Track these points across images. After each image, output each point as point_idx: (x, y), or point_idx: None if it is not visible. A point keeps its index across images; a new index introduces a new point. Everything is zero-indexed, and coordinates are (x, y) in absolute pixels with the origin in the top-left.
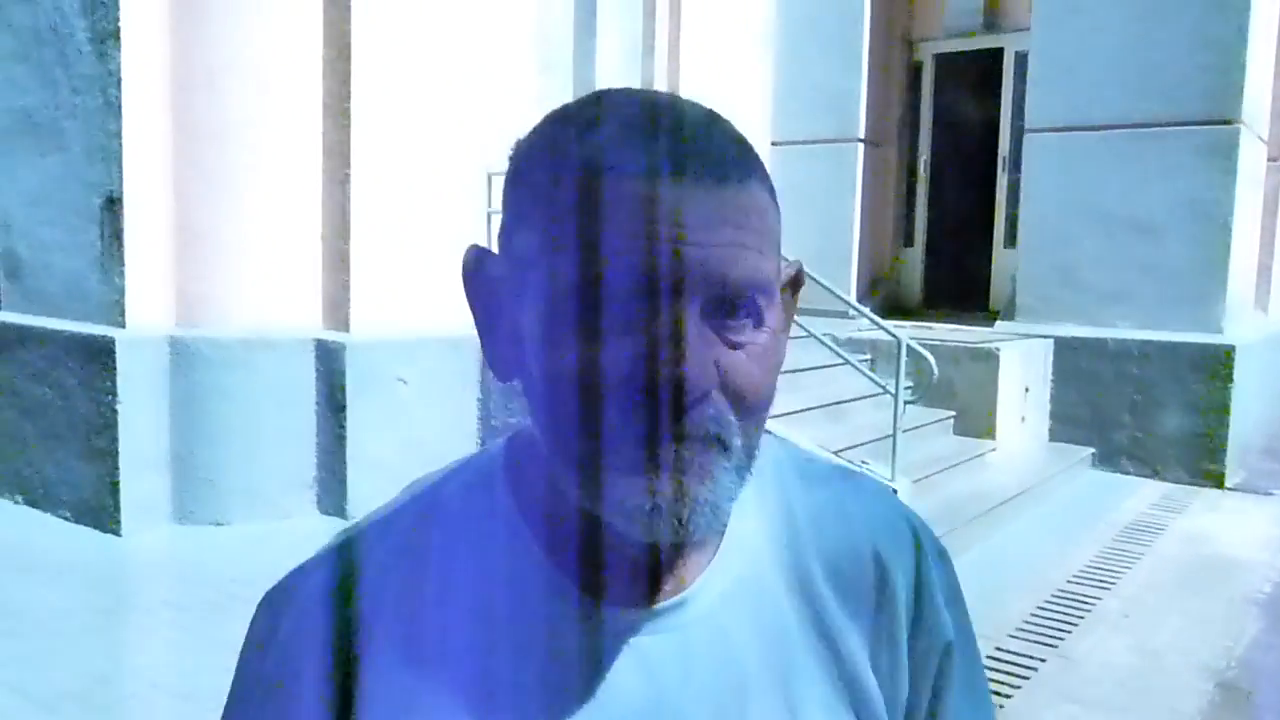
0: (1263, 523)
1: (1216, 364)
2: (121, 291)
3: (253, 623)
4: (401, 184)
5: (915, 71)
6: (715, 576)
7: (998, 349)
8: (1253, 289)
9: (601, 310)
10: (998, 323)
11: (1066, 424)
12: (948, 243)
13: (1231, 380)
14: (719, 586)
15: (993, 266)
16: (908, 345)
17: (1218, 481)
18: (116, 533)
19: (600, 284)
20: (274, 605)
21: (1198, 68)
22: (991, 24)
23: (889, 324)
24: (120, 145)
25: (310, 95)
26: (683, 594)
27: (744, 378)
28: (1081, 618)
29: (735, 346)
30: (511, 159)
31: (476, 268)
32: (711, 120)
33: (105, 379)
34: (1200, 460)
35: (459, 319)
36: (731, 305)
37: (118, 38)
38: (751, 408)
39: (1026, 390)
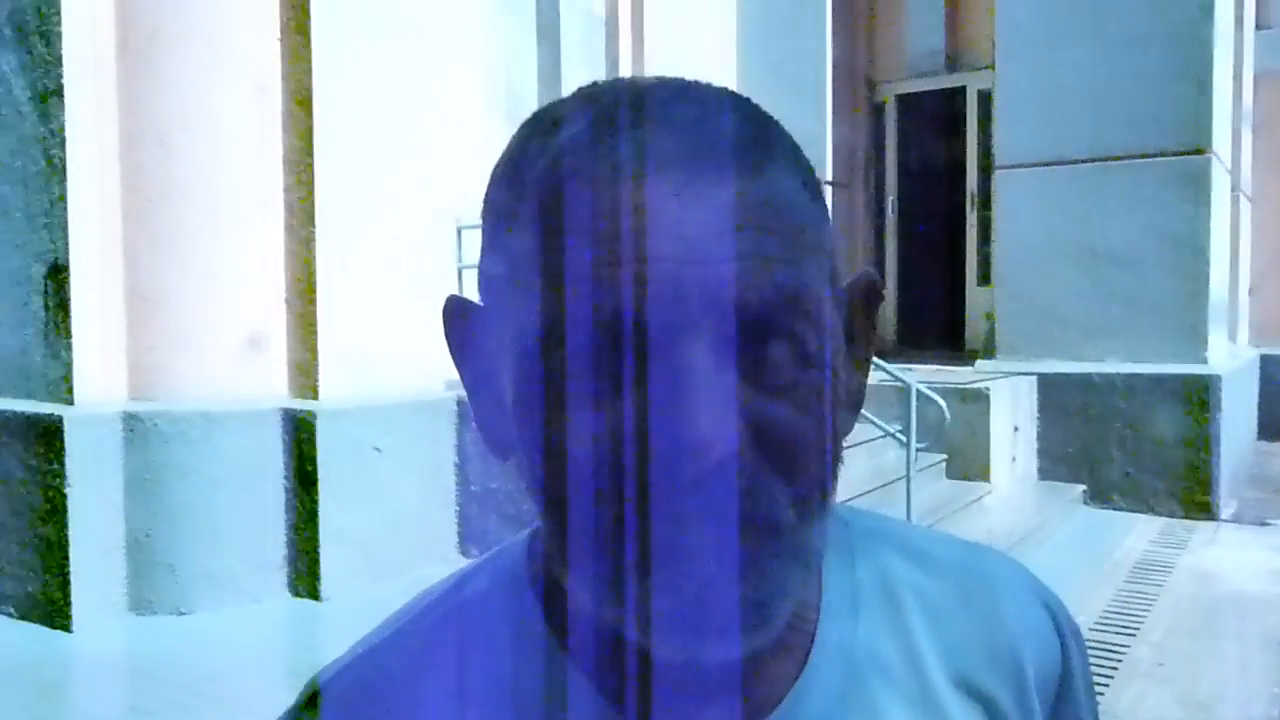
0: (1267, 555)
1: (1203, 394)
2: (68, 365)
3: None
4: (369, 241)
5: (879, 112)
6: (807, 697)
7: (987, 389)
8: (1226, 319)
9: (578, 364)
10: (978, 361)
11: (1055, 461)
12: (919, 282)
13: (1220, 410)
14: (812, 703)
15: (966, 305)
16: (918, 390)
17: (1210, 513)
18: (67, 629)
19: (573, 328)
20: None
21: (1167, 98)
22: (953, 63)
23: (895, 368)
24: (65, 209)
25: (270, 150)
26: (767, 718)
27: (787, 431)
28: (1115, 668)
29: (773, 392)
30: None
31: (455, 321)
32: (720, 99)
33: (52, 461)
34: (1192, 492)
35: (433, 380)
36: (759, 337)
37: (61, 95)
38: (806, 467)
39: (1016, 429)
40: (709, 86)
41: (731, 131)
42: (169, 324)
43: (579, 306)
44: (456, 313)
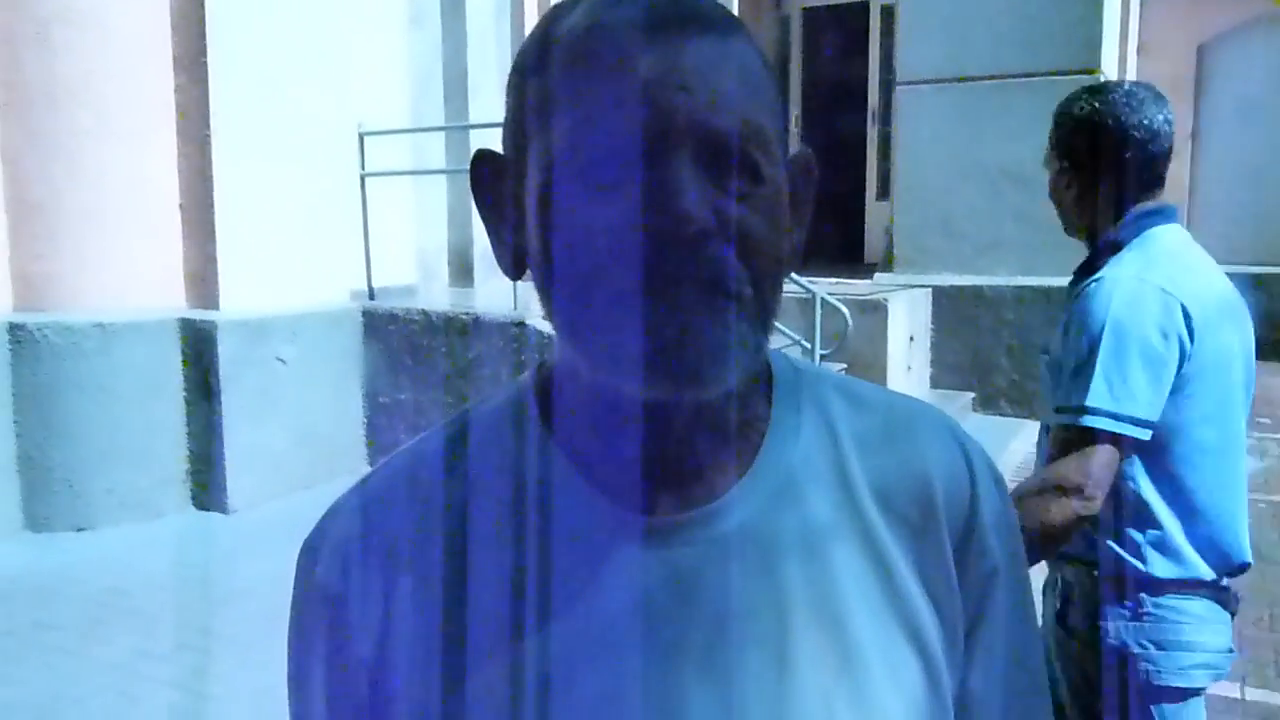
0: None
1: None
2: None
3: (304, 545)
4: (267, 144)
5: (784, 25)
6: (751, 487)
7: (886, 300)
8: None
9: (591, 165)
10: (876, 275)
11: (947, 370)
12: (821, 196)
13: None
14: (755, 497)
15: (866, 219)
16: (822, 299)
17: None
18: None
19: (588, 138)
20: (324, 521)
21: (1062, 19)
22: None
23: (803, 279)
24: None
25: (159, 47)
26: (715, 503)
27: (746, 224)
28: None
29: (735, 196)
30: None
31: (480, 169)
32: None
33: None
34: None
35: (338, 290)
36: (727, 153)
37: None
38: (759, 256)
39: (911, 339)
40: None
41: (717, 11)
42: (56, 232)
43: (595, 121)
44: (484, 160)
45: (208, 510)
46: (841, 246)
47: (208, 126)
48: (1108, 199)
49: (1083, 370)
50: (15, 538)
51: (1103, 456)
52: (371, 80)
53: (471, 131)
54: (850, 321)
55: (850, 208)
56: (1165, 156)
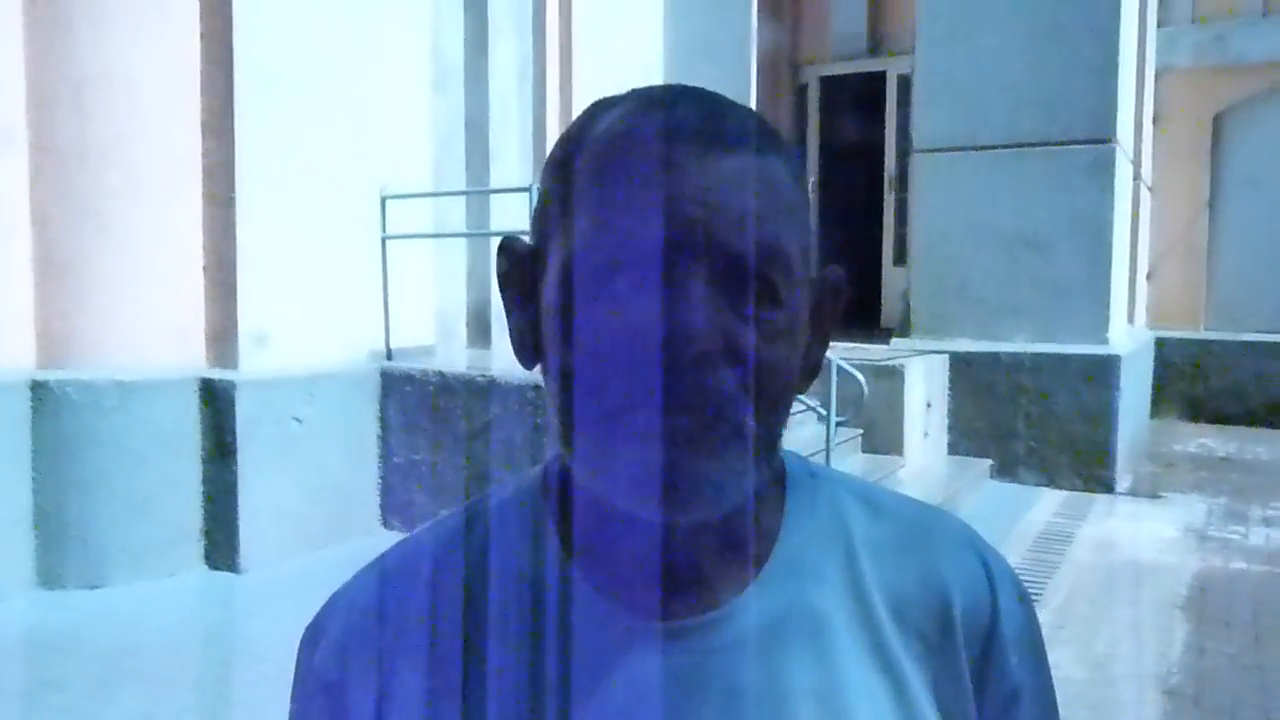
0: (1160, 526)
1: (1104, 373)
2: None
3: (306, 631)
4: (290, 207)
5: (801, 94)
6: (758, 594)
7: (902, 366)
8: (1126, 301)
9: (603, 273)
10: (893, 340)
11: (964, 436)
12: (838, 262)
13: (1119, 389)
14: (763, 605)
15: (883, 284)
16: (838, 366)
17: (1108, 487)
18: None
19: (603, 245)
20: (327, 607)
21: (1078, 89)
22: (875, 48)
23: None
24: None
25: (188, 110)
26: (724, 608)
27: (757, 350)
28: None
29: (747, 320)
30: None
31: (507, 258)
32: (741, 106)
33: None
34: (1091, 467)
35: (356, 350)
36: (743, 275)
37: None
38: (767, 383)
39: (928, 405)
40: (738, 105)
41: (746, 125)
42: (81, 290)
43: (614, 229)
44: (509, 248)
45: (220, 569)
46: (858, 312)
47: (233, 188)
48: None
49: None
50: (27, 594)
51: None
52: (394, 143)
53: (492, 196)
54: (866, 388)
55: (867, 273)
56: None
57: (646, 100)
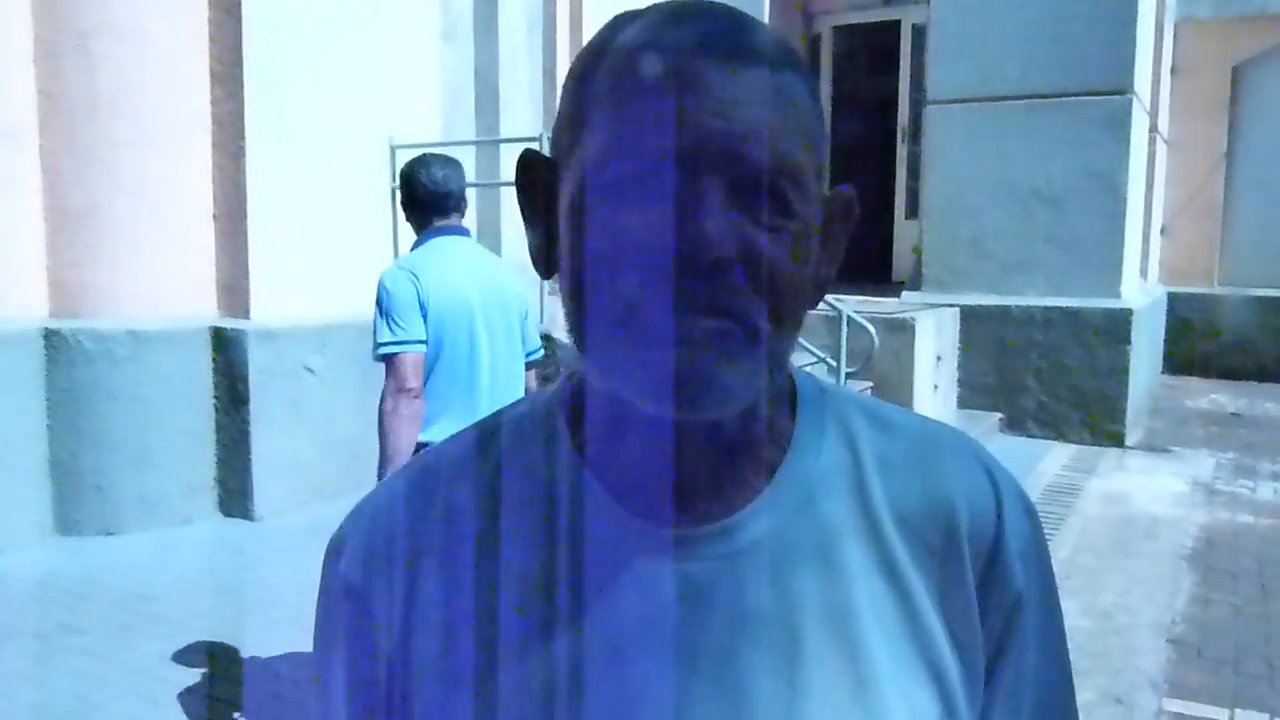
0: (1169, 479)
1: (1116, 328)
2: None
3: (330, 540)
4: (301, 156)
5: (815, 43)
6: (769, 505)
7: (913, 319)
8: (1139, 256)
9: (618, 181)
10: (904, 293)
11: (974, 391)
12: None
13: (1130, 343)
14: (773, 516)
15: (894, 237)
16: (849, 317)
17: (1118, 441)
18: None
19: (619, 154)
20: (351, 516)
21: (1094, 39)
22: None
23: (830, 297)
24: None
25: (196, 60)
26: (733, 517)
27: (769, 259)
28: None
29: (761, 228)
30: None
31: (525, 170)
32: (760, 23)
33: None
34: (1102, 421)
35: (367, 300)
36: (757, 184)
37: None
38: (779, 293)
39: (938, 359)
40: (758, 22)
41: (766, 41)
42: (92, 240)
43: (631, 140)
44: (529, 161)
45: (234, 517)
46: (869, 264)
47: (242, 138)
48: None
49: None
50: (46, 541)
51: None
52: (404, 94)
53: (502, 145)
54: (877, 340)
55: (878, 226)
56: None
57: (668, 13)
